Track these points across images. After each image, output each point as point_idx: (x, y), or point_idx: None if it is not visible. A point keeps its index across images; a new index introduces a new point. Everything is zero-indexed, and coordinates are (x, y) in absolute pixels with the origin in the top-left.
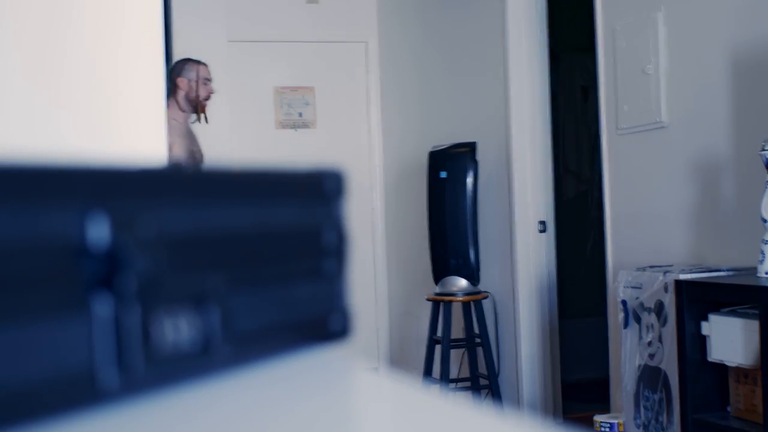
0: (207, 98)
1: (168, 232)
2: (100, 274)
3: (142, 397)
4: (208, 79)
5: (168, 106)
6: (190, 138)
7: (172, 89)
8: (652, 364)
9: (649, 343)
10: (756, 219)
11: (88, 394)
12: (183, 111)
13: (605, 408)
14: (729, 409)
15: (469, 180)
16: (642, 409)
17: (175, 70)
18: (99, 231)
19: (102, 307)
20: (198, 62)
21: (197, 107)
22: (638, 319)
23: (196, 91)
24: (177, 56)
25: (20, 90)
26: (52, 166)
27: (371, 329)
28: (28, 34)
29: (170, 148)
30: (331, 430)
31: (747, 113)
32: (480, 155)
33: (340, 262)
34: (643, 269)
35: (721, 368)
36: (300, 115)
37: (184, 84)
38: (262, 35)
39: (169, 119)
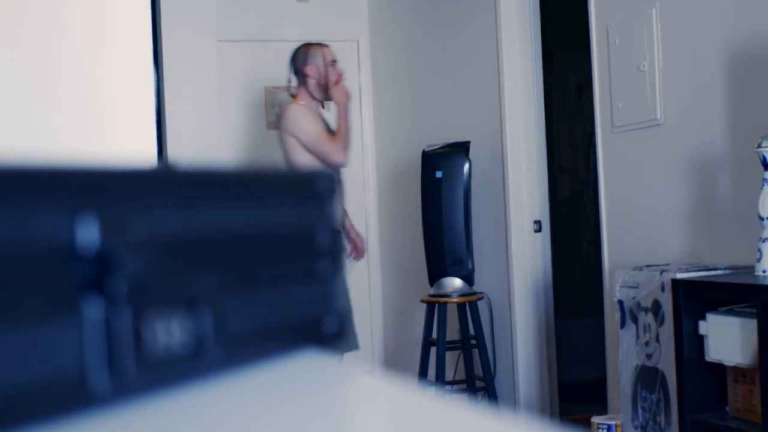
0: (337, 81)
1: (159, 233)
2: (91, 276)
3: (134, 400)
4: (334, 61)
5: (299, 95)
6: (324, 123)
7: (301, 79)
8: (650, 364)
9: (647, 343)
10: (753, 217)
11: (78, 398)
12: (315, 99)
13: (602, 409)
14: (727, 409)
15: (464, 180)
16: (640, 410)
17: (298, 58)
18: (89, 233)
19: (92, 310)
20: (321, 45)
21: (328, 94)
22: (635, 319)
23: (326, 76)
24: (167, 57)
25: (13, 92)
26: (40, 167)
27: (365, 331)
28: (20, 36)
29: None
30: None
31: (743, 110)
32: (474, 154)
33: (333, 263)
34: (640, 268)
35: (719, 368)
36: None
37: (314, 71)
38: (252, 35)
39: (306, 108)
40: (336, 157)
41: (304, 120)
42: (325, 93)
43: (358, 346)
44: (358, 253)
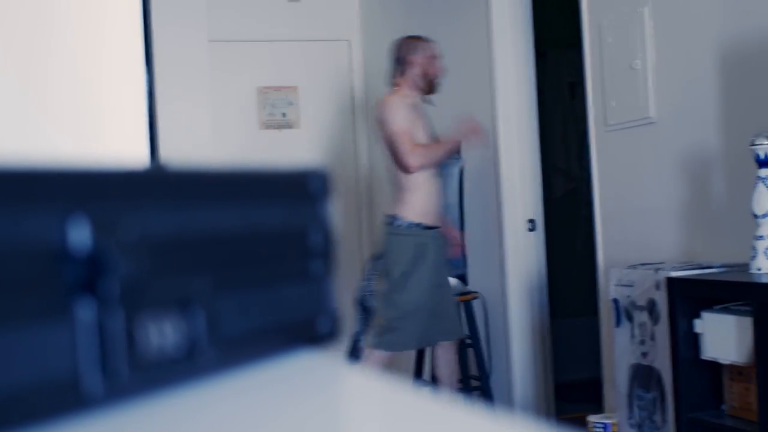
0: (437, 76)
1: (151, 234)
2: (83, 278)
3: (127, 402)
4: (438, 57)
5: (400, 84)
6: (426, 119)
7: (404, 68)
8: (645, 363)
9: (642, 342)
10: (747, 215)
11: (71, 400)
12: (416, 89)
13: (598, 408)
14: (723, 407)
15: (457, 179)
16: (636, 409)
17: (402, 48)
18: (80, 234)
19: (85, 312)
20: (425, 39)
21: (431, 86)
22: (630, 318)
23: (430, 68)
24: (158, 58)
25: (5, 92)
26: (31, 169)
27: None
28: (12, 37)
29: (415, 128)
30: None
31: (736, 108)
32: (466, 153)
33: (327, 263)
34: (635, 267)
35: (715, 366)
36: (283, 115)
37: (419, 61)
38: (244, 35)
39: (404, 99)
40: (408, 159)
41: (396, 112)
42: (428, 85)
43: (462, 331)
44: (456, 248)
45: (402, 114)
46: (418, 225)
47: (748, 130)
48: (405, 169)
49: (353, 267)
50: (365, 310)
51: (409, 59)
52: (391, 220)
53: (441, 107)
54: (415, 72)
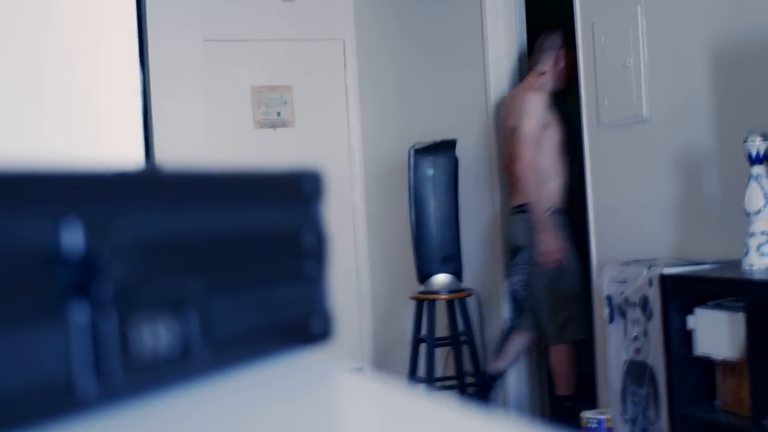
0: (562, 84)
1: (145, 236)
2: (76, 280)
3: (121, 404)
4: (574, 70)
5: (546, 75)
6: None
7: (552, 58)
8: (639, 359)
9: (635, 338)
10: (740, 212)
11: (66, 403)
12: (552, 85)
13: (592, 404)
14: (716, 402)
15: (453, 177)
16: (629, 405)
17: (555, 39)
18: (73, 237)
19: (79, 314)
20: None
21: (557, 88)
22: (623, 315)
23: (568, 74)
24: (153, 58)
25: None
26: (24, 172)
27: (354, 330)
28: (7, 38)
29: (547, 131)
30: None
31: (729, 106)
32: (461, 152)
33: (320, 263)
34: (628, 264)
35: (708, 362)
36: (278, 114)
37: (566, 60)
38: (238, 34)
39: (546, 100)
40: (519, 166)
41: (535, 113)
42: (557, 86)
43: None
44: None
45: (539, 116)
46: (557, 210)
47: (740, 127)
48: (513, 169)
49: (349, 265)
50: (517, 303)
51: (561, 52)
52: (530, 209)
53: (436, 105)
54: (560, 67)
